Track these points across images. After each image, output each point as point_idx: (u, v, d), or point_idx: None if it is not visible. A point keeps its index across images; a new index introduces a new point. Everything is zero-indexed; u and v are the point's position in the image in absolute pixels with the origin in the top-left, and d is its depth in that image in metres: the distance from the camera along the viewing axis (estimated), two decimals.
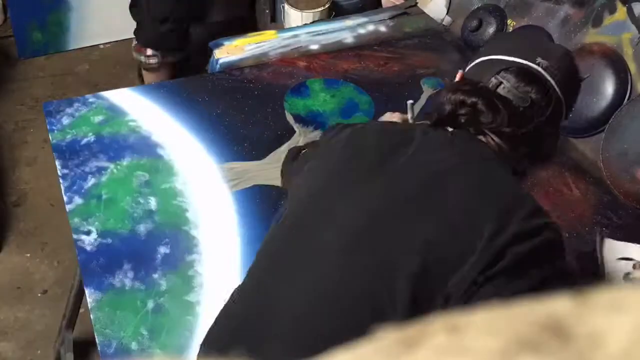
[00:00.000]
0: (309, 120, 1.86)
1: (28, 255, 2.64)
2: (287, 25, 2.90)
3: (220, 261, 1.45)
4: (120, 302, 1.35)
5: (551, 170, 1.74)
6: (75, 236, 1.48)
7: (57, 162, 1.68)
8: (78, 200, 1.57)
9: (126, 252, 1.45)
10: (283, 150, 1.75)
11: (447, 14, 2.40)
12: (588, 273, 1.44)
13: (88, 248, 1.46)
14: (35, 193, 2.89)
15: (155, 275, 1.40)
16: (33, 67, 3.57)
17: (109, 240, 1.48)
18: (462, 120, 1.09)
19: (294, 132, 1.82)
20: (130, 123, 1.80)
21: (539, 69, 1.15)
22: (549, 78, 1.15)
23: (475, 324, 0.23)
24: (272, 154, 1.74)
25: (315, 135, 1.81)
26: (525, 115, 1.12)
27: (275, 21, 3.14)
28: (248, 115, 1.87)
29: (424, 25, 2.35)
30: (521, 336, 0.22)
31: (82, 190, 1.60)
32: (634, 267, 1.38)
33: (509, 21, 2.18)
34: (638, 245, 1.43)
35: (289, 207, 1.09)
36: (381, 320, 0.79)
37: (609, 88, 1.81)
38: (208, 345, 1.02)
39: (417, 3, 2.45)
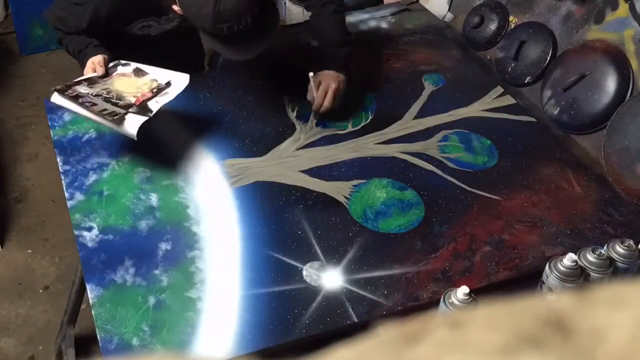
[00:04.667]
0: (310, 117, 1.85)
1: (29, 251, 2.64)
2: (288, 21, 2.90)
3: (221, 257, 1.45)
4: (122, 298, 1.35)
5: (553, 167, 1.73)
6: (76, 232, 1.48)
7: (58, 159, 1.68)
8: (79, 196, 1.57)
9: (127, 248, 1.45)
10: (284, 147, 1.75)
11: (448, 10, 2.39)
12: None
13: (89, 244, 1.46)
14: (36, 189, 2.90)
15: (157, 272, 1.40)
16: (34, 63, 3.57)
17: (110, 237, 1.48)
18: None
19: (296, 128, 1.82)
20: None
21: None
22: None
23: (476, 320, 0.23)
24: (273, 150, 1.74)
25: (316, 132, 1.81)
26: None
27: None
28: (249, 111, 1.87)
29: (425, 22, 2.34)
30: (523, 331, 0.22)
31: (84, 187, 1.60)
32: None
33: (510, 18, 2.18)
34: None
35: None
36: None
37: (610, 85, 1.81)
38: None
39: (418, 0, 2.45)
